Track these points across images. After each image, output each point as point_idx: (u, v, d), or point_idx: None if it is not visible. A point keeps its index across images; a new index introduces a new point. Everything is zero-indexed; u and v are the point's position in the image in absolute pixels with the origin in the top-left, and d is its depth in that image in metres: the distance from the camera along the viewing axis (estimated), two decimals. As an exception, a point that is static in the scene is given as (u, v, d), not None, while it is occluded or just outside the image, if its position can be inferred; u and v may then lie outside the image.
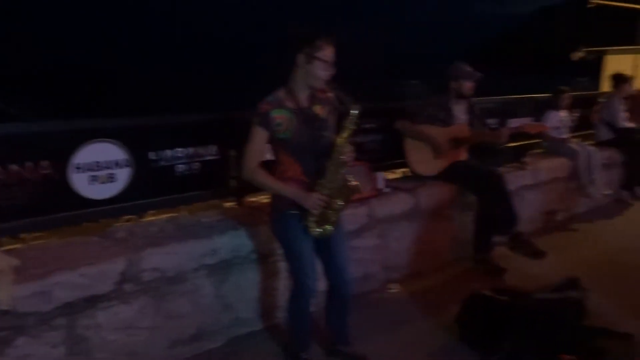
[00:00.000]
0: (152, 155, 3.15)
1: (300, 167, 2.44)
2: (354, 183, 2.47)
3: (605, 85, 12.25)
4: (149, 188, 3.15)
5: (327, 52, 2.35)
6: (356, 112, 2.38)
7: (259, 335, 3.07)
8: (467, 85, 4.12)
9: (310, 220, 2.42)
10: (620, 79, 6.05)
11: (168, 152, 3.21)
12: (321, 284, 2.63)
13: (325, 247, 2.55)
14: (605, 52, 15.87)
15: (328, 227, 2.46)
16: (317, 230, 2.45)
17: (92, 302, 2.45)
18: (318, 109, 2.47)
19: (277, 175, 2.46)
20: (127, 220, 3.56)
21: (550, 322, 2.76)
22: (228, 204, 3.63)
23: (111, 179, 3.01)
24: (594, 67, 15.26)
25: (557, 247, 4.44)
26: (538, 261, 4.09)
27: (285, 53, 2.42)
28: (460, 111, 4.21)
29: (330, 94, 2.50)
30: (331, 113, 2.52)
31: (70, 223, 2.90)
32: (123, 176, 3.05)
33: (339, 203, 2.46)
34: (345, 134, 2.39)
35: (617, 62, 14.22)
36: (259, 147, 2.43)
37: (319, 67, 2.34)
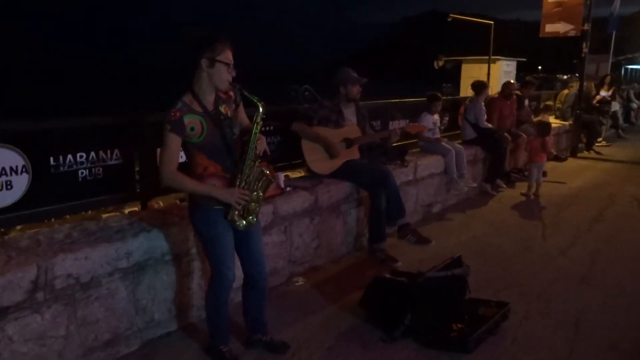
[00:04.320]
0: (52, 161, 3.05)
1: (219, 165, 2.56)
2: (268, 172, 2.64)
3: (465, 91, 13.65)
4: (50, 195, 3.05)
5: (227, 55, 2.49)
6: (262, 108, 2.57)
7: (174, 335, 3.10)
8: (354, 90, 4.48)
9: (234, 214, 2.55)
10: (481, 85, 6.90)
11: (69, 157, 3.12)
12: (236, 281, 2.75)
13: (243, 241, 2.69)
14: (462, 61, 17.62)
15: (251, 217, 2.62)
16: (242, 222, 2.59)
17: (1, 313, 2.34)
18: (224, 109, 2.60)
19: (199, 175, 2.54)
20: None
21: (442, 297, 3.17)
22: (132, 209, 3.60)
23: (8, 186, 2.87)
24: (454, 74, 16.87)
25: (437, 234, 4.96)
26: (424, 247, 4.56)
27: (186, 58, 2.51)
28: (349, 113, 4.56)
29: (230, 92, 2.63)
30: (234, 110, 2.66)
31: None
32: (21, 183, 2.92)
33: (259, 193, 2.62)
34: (255, 129, 2.55)
35: (472, 70, 15.88)
36: (174, 153, 2.48)
37: (221, 69, 2.48)
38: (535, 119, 8.54)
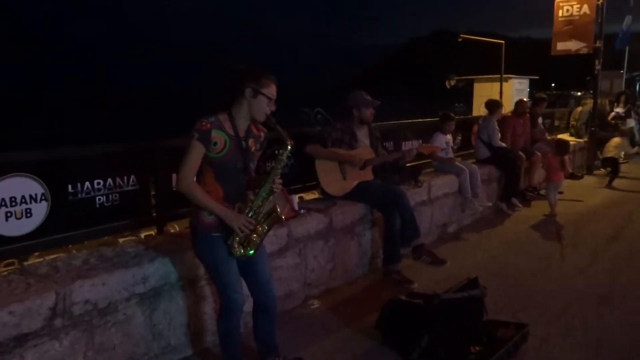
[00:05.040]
0: (70, 188, 3.10)
1: (222, 191, 2.58)
2: (279, 211, 2.64)
3: (477, 110, 13.65)
4: (68, 221, 3.10)
5: (271, 90, 2.58)
6: (290, 147, 2.62)
7: (190, 360, 3.10)
8: (368, 112, 4.52)
9: (234, 240, 2.56)
10: (494, 104, 6.90)
11: (87, 184, 3.18)
12: (246, 306, 2.74)
13: (248, 265, 2.70)
14: (474, 80, 17.64)
15: (250, 250, 2.60)
16: (240, 251, 2.58)
17: (20, 340, 2.36)
18: (250, 142, 2.65)
19: None
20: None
21: (459, 319, 3.13)
22: (148, 233, 3.64)
23: (28, 214, 2.92)
24: (466, 94, 16.89)
25: (452, 255, 4.91)
26: (440, 268, 4.53)
27: (230, 83, 2.58)
28: (362, 135, 4.59)
29: (262, 133, 2.71)
30: (258, 150, 2.73)
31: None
32: (40, 211, 2.98)
33: (263, 228, 2.62)
34: (279, 165, 2.60)
35: (484, 89, 15.89)
36: (196, 162, 2.52)
37: (262, 101, 2.56)
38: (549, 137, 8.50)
